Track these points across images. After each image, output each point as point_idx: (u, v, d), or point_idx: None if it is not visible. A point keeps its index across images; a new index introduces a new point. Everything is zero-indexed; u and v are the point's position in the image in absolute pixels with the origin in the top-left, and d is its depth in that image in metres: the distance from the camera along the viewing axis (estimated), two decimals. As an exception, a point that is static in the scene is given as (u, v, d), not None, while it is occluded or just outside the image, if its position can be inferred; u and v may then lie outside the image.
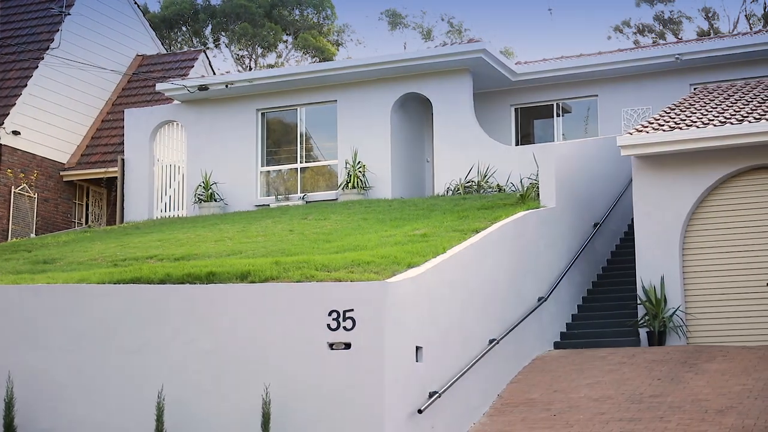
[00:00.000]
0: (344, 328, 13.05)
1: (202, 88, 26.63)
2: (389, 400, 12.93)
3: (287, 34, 56.56)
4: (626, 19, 60.35)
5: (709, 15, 59.29)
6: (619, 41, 59.54)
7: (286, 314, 13.33)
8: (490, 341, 16.14)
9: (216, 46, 57.40)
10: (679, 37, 56.86)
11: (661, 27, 59.76)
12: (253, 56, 57.02)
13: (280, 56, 57.63)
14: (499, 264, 17.14)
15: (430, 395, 13.85)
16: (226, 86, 26.56)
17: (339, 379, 12.99)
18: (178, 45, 55.64)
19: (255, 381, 13.18)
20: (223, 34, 56.62)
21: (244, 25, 54.11)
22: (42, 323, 14.30)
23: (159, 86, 27.43)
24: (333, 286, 13.28)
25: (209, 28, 56.33)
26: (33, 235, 27.38)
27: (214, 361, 13.49)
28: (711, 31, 56.44)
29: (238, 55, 57.41)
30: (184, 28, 56.37)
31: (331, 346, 13.10)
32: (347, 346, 13.04)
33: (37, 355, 14.22)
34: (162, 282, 14.14)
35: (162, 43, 52.79)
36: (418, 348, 13.79)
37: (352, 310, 13.06)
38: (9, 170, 28.08)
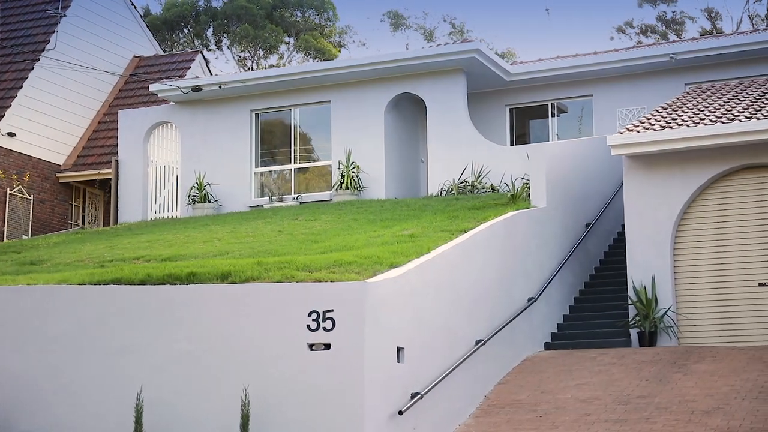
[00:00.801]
0: (324, 328, 12.93)
1: (196, 88, 26.55)
2: (369, 401, 12.82)
3: (289, 36, 56.47)
4: (629, 20, 60.22)
5: (712, 15, 59.11)
6: (621, 42, 59.40)
7: (265, 315, 13.22)
8: (477, 342, 16.01)
9: (218, 48, 57.36)
10: (682, 37, 56.67)
11: (664, 28, 59.58)
12: (255, 58, 56.95)
13: (281, 58, 57.57)
14: (487, 264, 17.01)
15: (412, 396, 13.73)
16: (220, 87, 26.48)
17: (319, 380, 12.88)
18: (180, 47, 55.58)
19: (235, 382, 13.07)
20: (225, 36, 56.55)
21: (244, 26, 54.03)
22: (21, 324, 14.22)
23: (152, 87, 27.37)
24: (313, 287, 13.17)
25: (210, 30, 56.28)
26: (25, 237, 27.30)
27: (195, 361, 13.38)
28: (714, 32, 56.21)
29: (240, 56, 57.34)
30: (186, 30, 56.32)
31: (311, 346, 12.99)
32: (327, 346, 12.93)
33: (17, 357, 14.13)
34: (142, 283, 14.04)
35: (164, 46, 52.86)
36: (399, 349, 13.66)
37: (332, 310, 12.94)
38: (1, 171, 27.98)
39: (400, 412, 13.32)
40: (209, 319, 13.44)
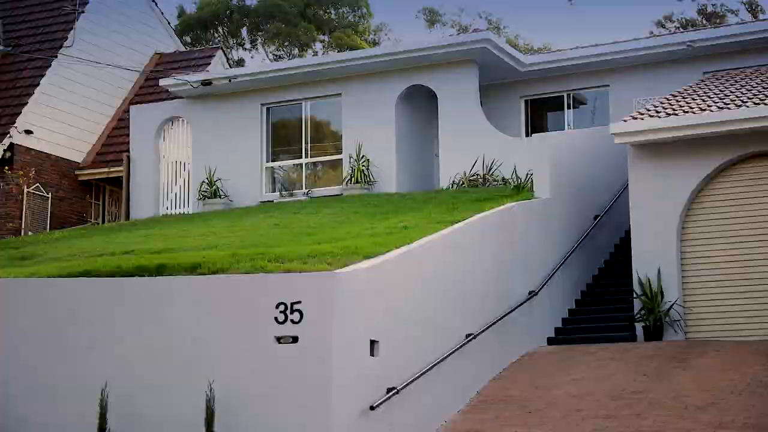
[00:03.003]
0: (292, 320, 12.51)
1: (206, 83, 26.25)
2: (338, 395, 12.37)
3: (322, 34, 56.14)
4: (668, 14, 59.27)
5: (754, 7, 58.01)
6: (661, 36, 58.45)
7: (233, 307, 12.83)
8: (467, 336, 15.51)
9: (253, 47, 57.17)
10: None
11: (705, 21, 58.57)
12: (290, 56, 56.68)
13: (316, 55, 57.27)
14: (480, 256, 16.51)
15: (388, 391, 13.24)
16: (230, 81, 26.12)
17: (286, 374, 12.47)
18: (215, 45, 55.43)
19: (202, 376, 12.68)
20: (259, 34, 56.33)
21: (277, 24, 53.77)
22: (-9, 318, 13.97)
23: (162, 82, 27.12)
24: (280, 278, 12.75)
25: (245, 28, 56.10)
26: (31, 233, 27.11)
27: (162, 355, 13.03)
28: (755, 24, 55.04)
29: (275, 55, 57.10)
30: (220, 29, 56.18)
31: (278, 339, 12.58)
32: (295, 339, 12.51)
33: (-13, 351, 13.89)
34: (111, 275, 13.70)
35: (199, 45, 52.68)
36: (373, 342, 13.17)
37: (300, 302, 12.52)
38: (6, 168, 27.81)
39: (372, 408, 12.85)
40: (177, 311, 13.08)
